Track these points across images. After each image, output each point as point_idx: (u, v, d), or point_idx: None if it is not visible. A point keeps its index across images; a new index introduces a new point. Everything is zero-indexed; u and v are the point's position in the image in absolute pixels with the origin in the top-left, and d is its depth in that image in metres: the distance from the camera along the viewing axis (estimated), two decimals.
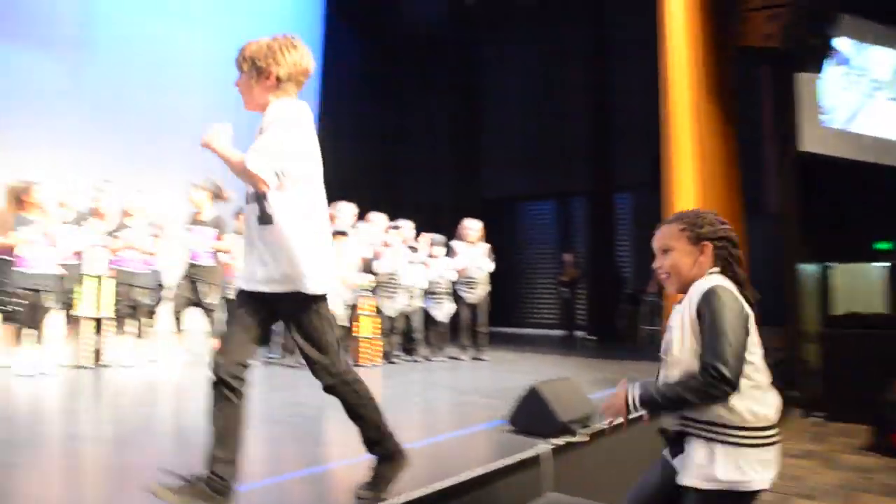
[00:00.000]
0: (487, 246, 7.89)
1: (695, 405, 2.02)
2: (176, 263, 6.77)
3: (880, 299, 8.72)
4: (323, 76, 12.05)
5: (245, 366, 2.43)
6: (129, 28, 10.79)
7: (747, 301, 2.11)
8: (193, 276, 6.48)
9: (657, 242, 2.29)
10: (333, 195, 2.99)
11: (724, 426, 2.01)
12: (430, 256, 7.68)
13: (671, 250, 2.23)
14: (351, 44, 12.49)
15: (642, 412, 2.16)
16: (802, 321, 8.52)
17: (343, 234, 6.89)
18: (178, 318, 6.56)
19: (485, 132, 13.42)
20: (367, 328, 6.92)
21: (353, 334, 6.85)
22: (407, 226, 7.63)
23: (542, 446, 3.37)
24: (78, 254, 6.17)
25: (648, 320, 10.06)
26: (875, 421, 6.16)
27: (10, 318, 5.71)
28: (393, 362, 7.12)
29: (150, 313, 6.75)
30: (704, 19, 7.19)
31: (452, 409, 4.87)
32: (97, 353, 6.25)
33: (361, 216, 7.67)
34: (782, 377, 6.31)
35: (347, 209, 7.32)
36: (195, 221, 6.54)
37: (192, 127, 10.45)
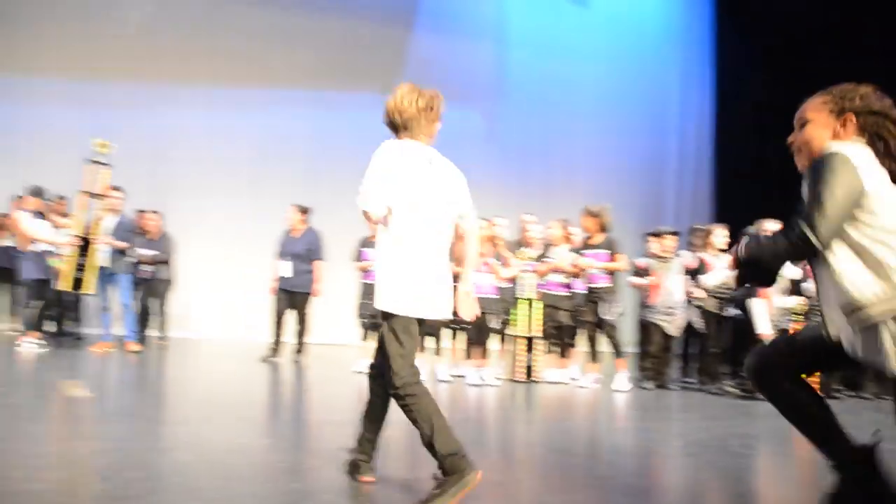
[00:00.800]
0: None
1: (780, 258, 2.16)
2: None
3: None
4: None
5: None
6: (538, 73, 11.93)
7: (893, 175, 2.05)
8: (594, 297, 6.79)
9: (797, 115, 2.24)
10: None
11: None
12: None
13: (808, 122, 2.20)
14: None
15: (744, 256, 2.19)
16: None
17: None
18: (591, 339, 6.94)
19: None
20: None
21: None
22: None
23: None
24: (511, 279, 6.94)
25: None
26: None
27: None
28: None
29: (572, 334, 7.20)
30: None
31: None
32: (528, 369, 6.92)
33: None
34: None
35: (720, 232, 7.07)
36: (587, 246, 6.87)
37: (584, 156, 10.97)
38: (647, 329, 6.98)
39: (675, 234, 7.10)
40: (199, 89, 10.72)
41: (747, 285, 2.52)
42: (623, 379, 6.58)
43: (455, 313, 2.84)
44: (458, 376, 6.68)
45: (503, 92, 11.98)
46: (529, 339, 6.94)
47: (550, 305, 6.99)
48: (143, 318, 8.40)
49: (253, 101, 10.78)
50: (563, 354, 7.18)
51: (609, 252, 6.76)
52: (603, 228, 6.75)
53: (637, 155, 12.56)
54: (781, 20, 10.91)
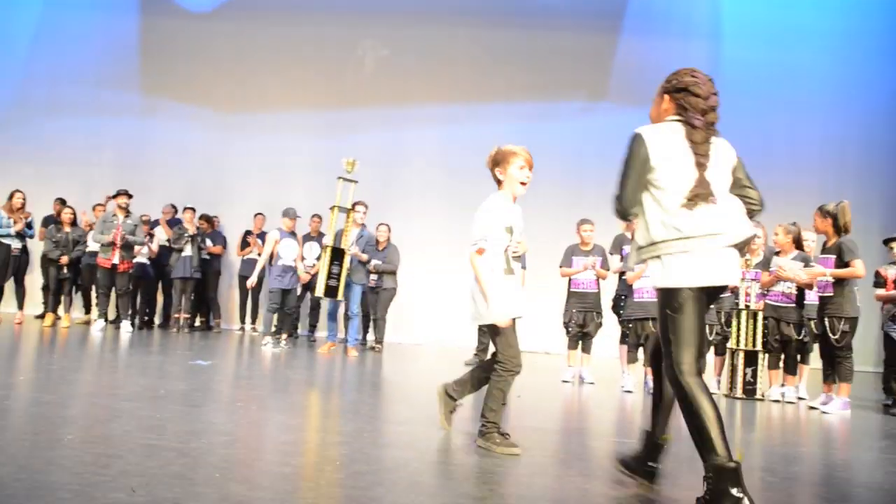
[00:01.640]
0: None
1: None
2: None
3: None
4: None
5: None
6: (757, 66, 11.07)
7: (694, 140, 2.54)
8: (826, 308, 6.10)
9: None
10: None
11: None
12: None
13: (652, 102, 2.74)
14: None
15: None
16: None
17: None
18: (823, 355, 6.24)
19: None
20: None
21: None
22: None
23: None
24: (732, 289, 6.50)
25: None
26: None
27: (623, 340, 6.67)
28: None
29: (800, 349, 6.58)
30: None
31: None
32: (749, 385, 6.42)
33: None
34: None
35: None
36: (824, 249, 6.17)
37: (810, 153, 9.97)
38: (893, 345, 6.16)
39: None
40: (421, 109, 11.49)
41: None
42: (842, 402, 5.88)
43: None
44: None
45: (717, 90, 11.25)
46: (750, 353, 6.44)
47: (774, 317, 6.45)
48: (365, 325, 9.14)
49: (471, 116, 11.28)
50: (788, 371, 6.57)
51: (840, 257, 6.07)
52: (840, 230, 5.96)
53: (875, 149, 11.11)
54: None
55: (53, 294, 9.34)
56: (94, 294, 9.91)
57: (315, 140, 11.35)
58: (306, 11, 11.76)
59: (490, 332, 3.66)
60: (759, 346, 6.44)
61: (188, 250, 9.45)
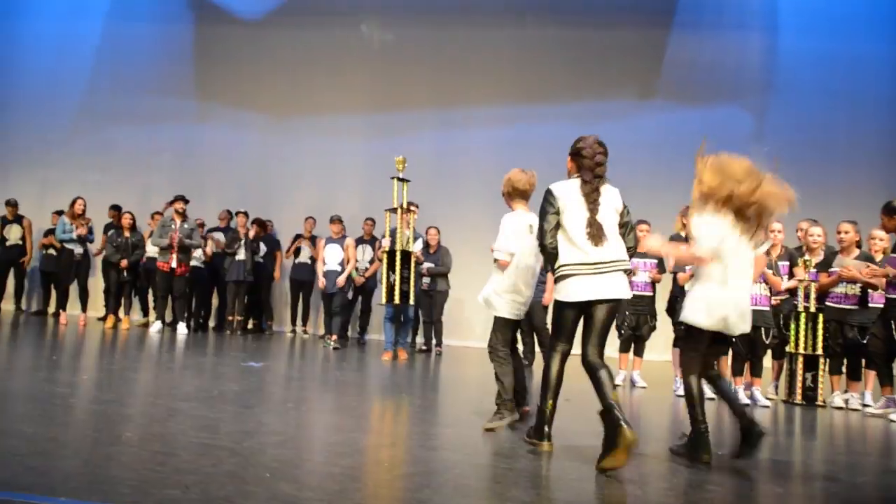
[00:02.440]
0: None
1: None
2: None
3: None
4: None
5: None
6: (815, 58, 10.69)
7: (585, 192, 3.53)
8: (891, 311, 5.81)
9: None
10: None
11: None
12: None
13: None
14: None
15: None
16: None
17: None
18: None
19: None
20: None
21: None
22: None
23: None
24: (791, 290, 6.28)
25: None
26: None
27: (676, 343, 6.23)
28: None
29: (863, 354, 6.29)
30: None
31: None
32: (808, 390, 6.18)
33: None
34: None
35: None
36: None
37: (871, 148, 9.50)
38: None
39: None
40: (470, 111, 11.45)
41: None
42: None
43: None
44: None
45: (773, 85, 10.92)
46: (810, 358, 6.21)
47: (836, 320, 6.21)
48: (414, 328, 9.17)
49: (519, 117, 11.16)
50: (851, 376, 6.32)
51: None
52: None
53: None
54: None
55: (114, 297, 9.67)
56: (151, 297, 10.23)
57: (365, 143, 11.45)
58: (354, 15, 11.89)
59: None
60: (819, 351, 6.21)
61: (241, 254, 9.65)
